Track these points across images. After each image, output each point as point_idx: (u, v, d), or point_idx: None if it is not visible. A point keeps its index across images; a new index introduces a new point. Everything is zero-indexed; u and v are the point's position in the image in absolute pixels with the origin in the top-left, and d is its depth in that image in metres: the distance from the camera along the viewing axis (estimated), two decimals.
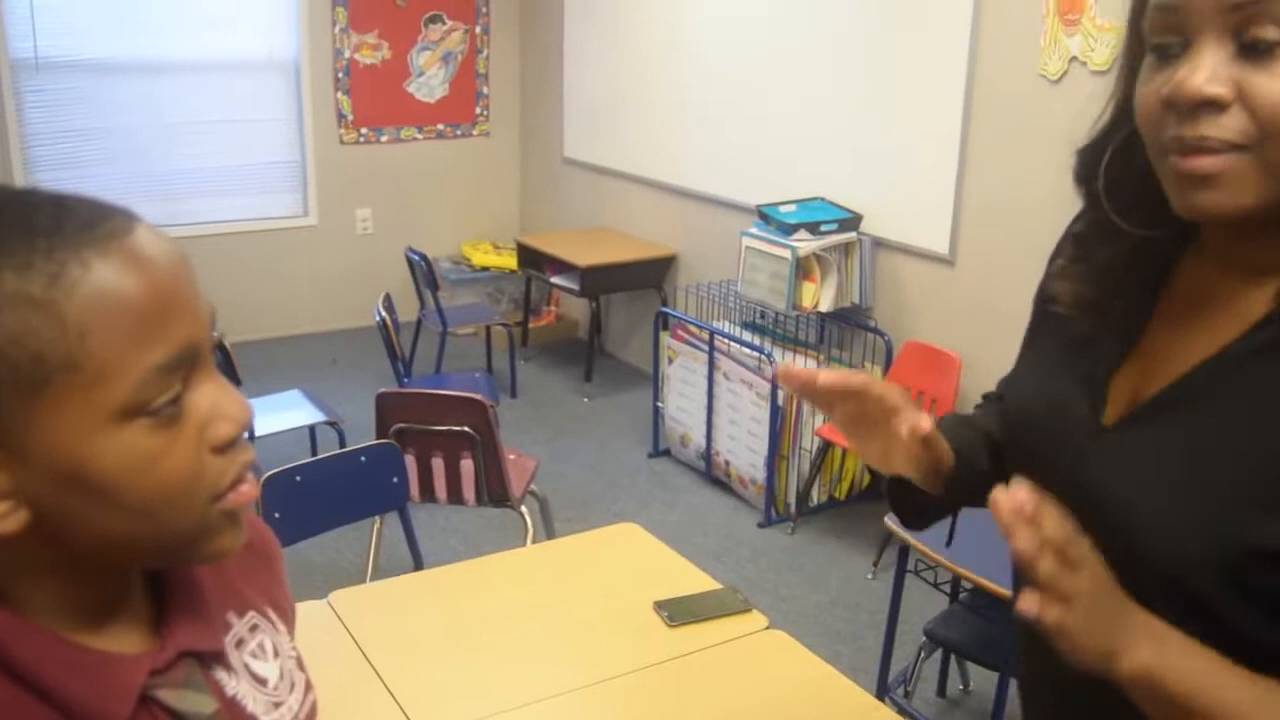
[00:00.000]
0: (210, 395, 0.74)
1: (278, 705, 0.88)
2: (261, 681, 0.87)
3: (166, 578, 0.83)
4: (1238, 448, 0.89)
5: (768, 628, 2.10)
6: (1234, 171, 0.86)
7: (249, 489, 0.77)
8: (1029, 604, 0.83)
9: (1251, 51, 0.84)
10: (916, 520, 1.32)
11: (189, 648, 0.80)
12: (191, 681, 0.80)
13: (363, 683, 1.88)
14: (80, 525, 0.71)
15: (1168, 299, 1.01)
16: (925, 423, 1.07)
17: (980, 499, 1.24)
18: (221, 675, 0.83)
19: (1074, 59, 3.48)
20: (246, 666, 0.86)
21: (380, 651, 1.96)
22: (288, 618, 0.96)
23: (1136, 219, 0.99)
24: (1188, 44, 0.87)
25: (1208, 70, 0.85)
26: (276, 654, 0.91)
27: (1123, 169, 0.99)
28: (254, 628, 0.90)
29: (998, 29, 3.74)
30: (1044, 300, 1.13)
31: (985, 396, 1.34)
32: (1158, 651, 0.87)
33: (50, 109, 5.56)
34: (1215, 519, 0.88)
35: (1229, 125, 0.85)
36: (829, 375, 1.09)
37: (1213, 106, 0.85)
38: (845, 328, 4.39)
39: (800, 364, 4.22)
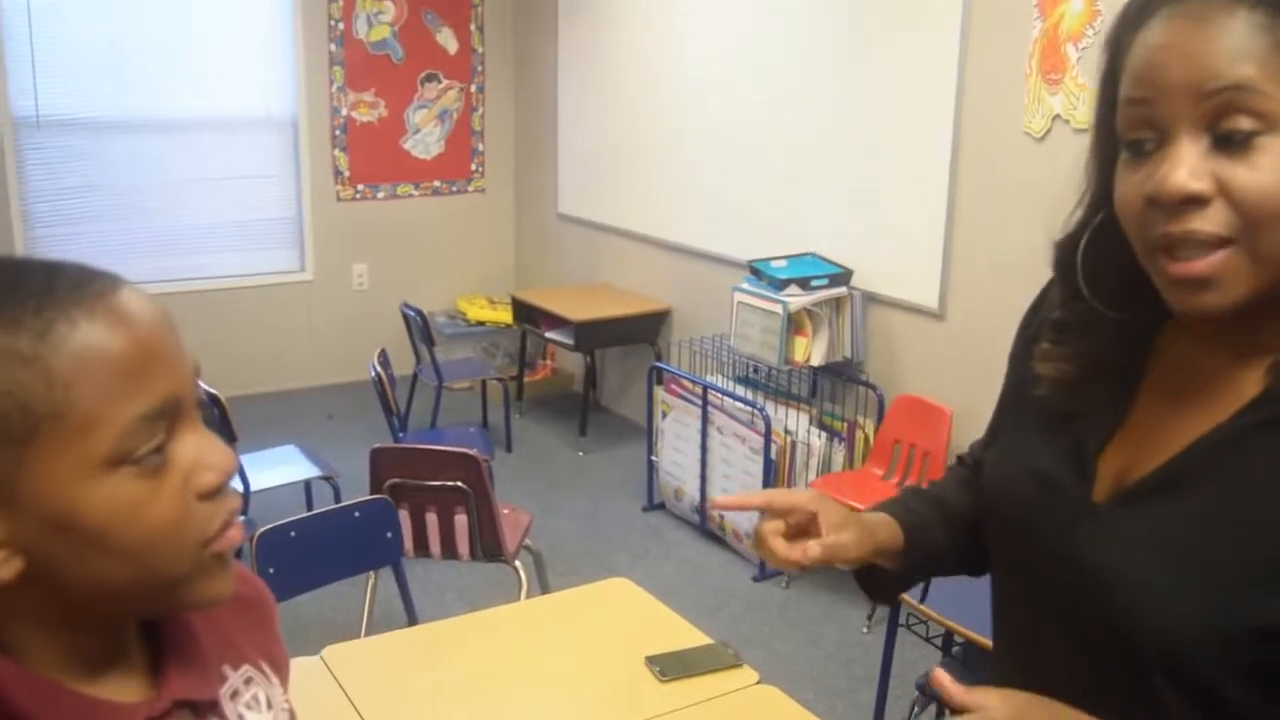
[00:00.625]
0: (194, 445, 0.77)
1: None
2: None
3: (162, 629, 0.85)
4: (1236, 528, 0.89)
5: (759, 682, 2.11)
6: (1227, 269, 0.86)
7: (235, 533, 0.80)
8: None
9: (1227, 143, 0.84)
10: (881, 597, 1.34)
11: (183, 696, 0.83)
12: None
13: None
14: (73, 572, 0.74)
15: (1154, 375, 1.01)
16: (814, 550, 1.12)
17: (942, 571, 1.28)
18: None
19: (1057, 117, 3.54)
20: (241, 717, 0.88)
21: (373, 707, 1.97)
22: (282, 671, 0.98)
23: (1118, 304, 0.99)
24: (1163, 139, 0.87)
25: (1188, 166, 0.85)
26: (270, 706, 0.93)
27: (1101, 260, 0.99)
28: (248, 680, 0.92)
29: (982, 88, 3.81)
30: (1019, 366, 1.14)
31: (959, 459, 1.35)
32: None
33: (51, 166, 5.63)
34: (1215, 599, 0.88)
35: (1214, 219, 0.85)
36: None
37: (1196, 201, 0.85)
38: (837, 381, 4.42)
39: (793, 418, 4.25)
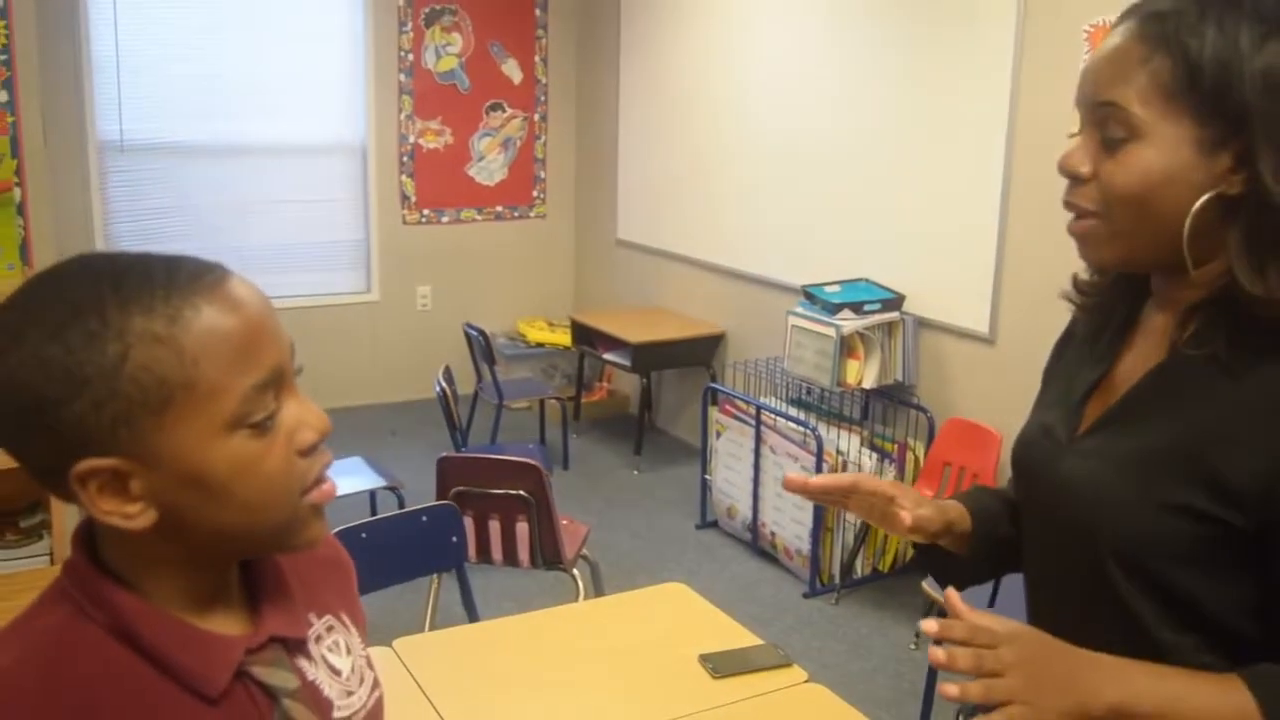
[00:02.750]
0: (295, 408, 0.91)
1: (350, 694, 1.02)
2: (336, 672, 1.02)
3: (258, 575, 0.98)
4: (1164, 439, 1.13)
5: (807, 681, 2.21)
6: (1091, 233, 1.16)
7: (330, 486, 0.94)
8: (950, 691, 1.04)
9: (1108, 142, 1.11)
10: (947, 579, 1.47)
11: (277, 633, 0.96)
12: (279, 662, 0.95)
13: None
14: (198, 520, 0.88)
15: (1130, 335, 1.26)
16: (906, 519, 1.33)
17: (1008, 564, 1.42)
18: (302, 662, 0.98)
19: None
20: (324, 658, 1.01)
21: (440, 694, 2.08)
22: (359, 624, 1.10)
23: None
24: (1080, 129, 1.17)
25: (1079, 153, 1.14)
26: (349, 652, 1.05)
27: None
28: (330, 628, 1.04)
29: (1034, 117, 3.90)
30: (1056, 351, 1.41)
31: None
32: (1121, 684, 1.06)
33: (132, 188, 5.87)
34: (1150, 491, 1.12)
35: (1087, 195, 1.14)
36: (819, 479, 1.39)
37: (1078, 179, 1.14)
38: (889, 404, 4.51)
39: (844, 439, 4.34)
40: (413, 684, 2.13)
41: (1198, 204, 1.08)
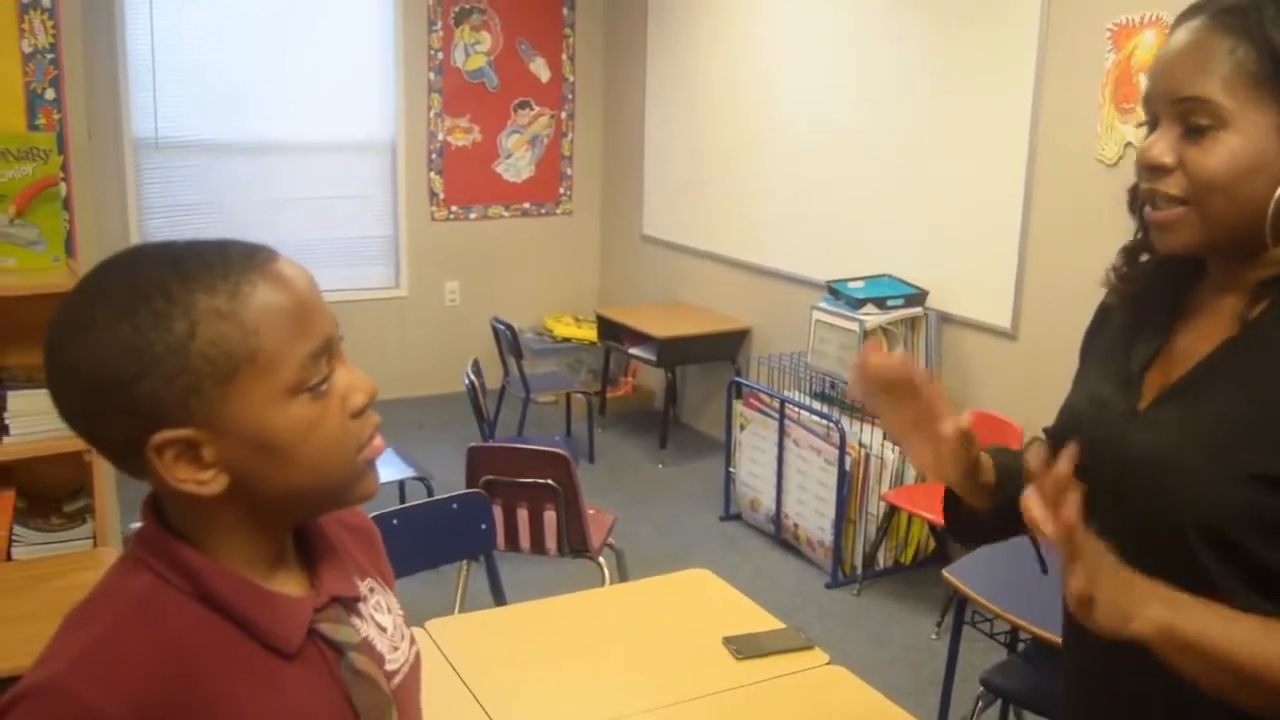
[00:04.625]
0: (345, 375, 0.98)
1: (395, 649, 1.09)
2: (382, 629, 1.09)
3: (310, 542, 1.05)
4: (1236, 411, 1.17)
5: (828, 664, 2.27)
6: (1179, 220, 1.19)
7: (380, 443, 1.01)
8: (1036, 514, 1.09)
9: (1192, 132, 1.16)
10: (966, 535, 1.55)
11: (337, 593, 1.03)
12: (341, 619, 1.03)
13: (458, 700, 2.06)
14: (267, 482, 0.95)
15: (1186, 311, 1.29)
16: (964, 420, 1.32)
17: (1018, 527, 1.45)
18: (355, 621, 1.05)
19: (1129, 144, 3.66)
20: (371, 616, 1.08)
21: (471, 673, 2.14)
22: (392, 585, 1.18)
23: None
24: (1155, 122, 1.20)
25: (1161, 145, 1.18)
26: (390, 610, 1.12)
27: None
28: (372, 589, 1.11)
29: (1057, 116, 3.94)
30: (1090, 336, 1.43)
31: (1045, 429, 1.53)
32: (1169, 609, 1.10)
33: (166, 184, 5.98)
34: (1227, 461, 1.15)
35: (1174, 183, 1.18)
36: (876, 358, 1.36)
37: (1162, 169, 1.18)
38: None
39: (867, 433, 4.39)
40: (444, 663, 2.19)
41: None
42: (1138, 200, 1.28)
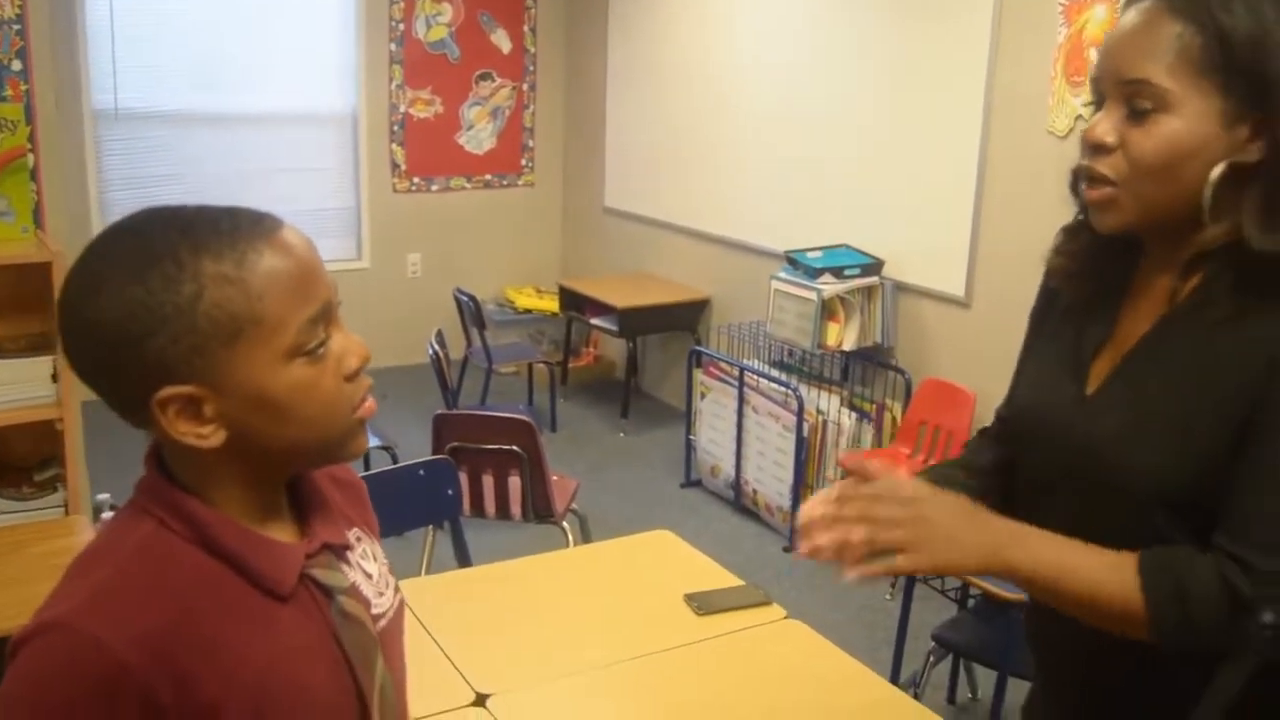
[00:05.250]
0: (341, 339, 1.04)
1: (381, 595, 1.16)
2: (369, 576, 1.15)
3: (303, 493, 1.12)
4: (1176, 388, 1.22)
5: (786, 618, 2.35)
6: (1110, 200, 1.23)
7: (371, 403, 1.07)
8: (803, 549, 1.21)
9: (1135, 114, 1.18)
10: None
11: (328, 540, 1.10)
12: (331, 565, 1.10)
13: (428, 657, 2.12)
14: (263, 438, 1.01)
15: (1130, 295, 1.33)
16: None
17: None
18: (344, 567, 1.12)
19: (1079, 117, 3.76)
20: (359, 564, 1.15)
21: (442, 631, 2.21)
22: (376, 536, 1.24)
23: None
24: (1101, 102, 1.23)
25: (1105, 124, 1.21)
26: (376, 559, 1.19)
27: None
28: (359, 538, 1.18)
29: (1010, 90, 4.04)
30: (1036, 322, 1.47)
31: (980, 431, 1.60)
32: (1018, 546, 1.21)
33: (127, 156, 5.96)
34: (1176, 436, 1.20)
35: (1110, 164, 1.21)
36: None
37: (1104, 149, 1.21)
38: (868, 365, 4.66)
39: (824, 399, 4.49)
40: (415, 621, 2.26)
41: (1217, 171, 1.16)
42: (1079, 180, 1.31)
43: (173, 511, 1.01)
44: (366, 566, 1.16)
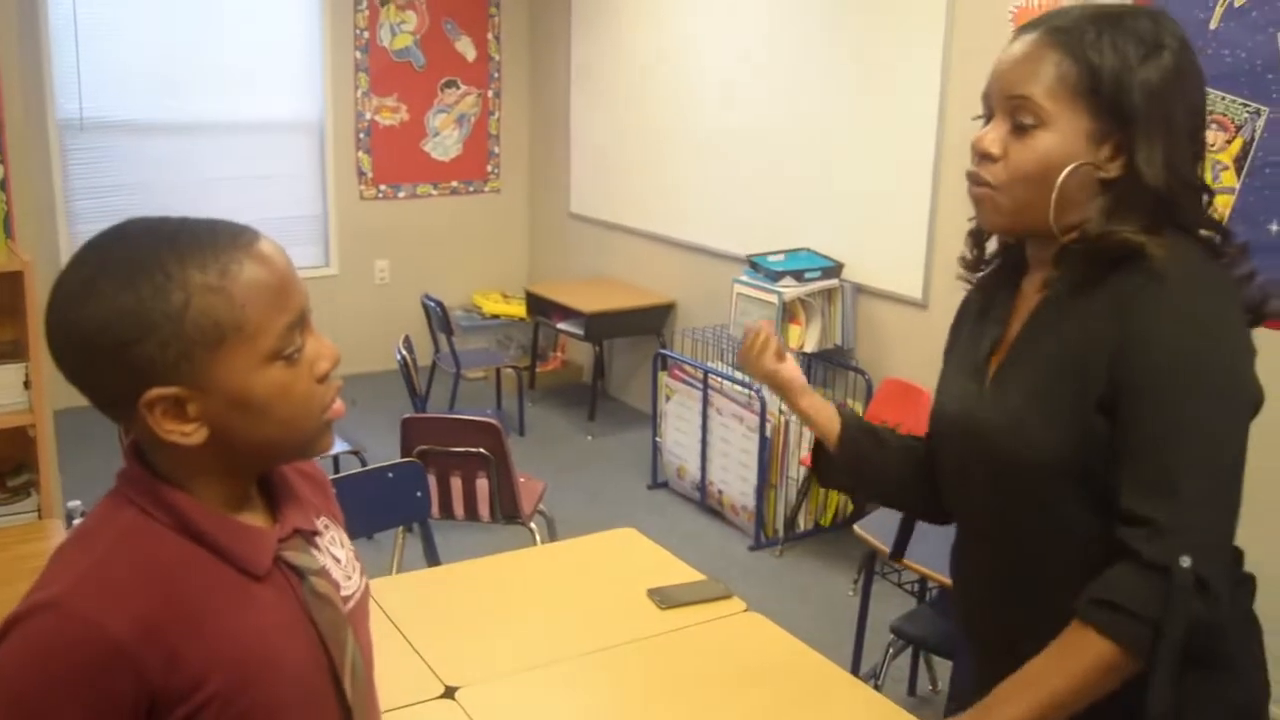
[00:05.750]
0: (314, 343, 1.12)
1: (349, 578, 1.23)
2: (337, 560, 1.23)
3: (273, 485, 1.19)
4: (1053, 363, 1.38)
5: (746, 610, 2.43)
6: (987, 199, 1.41)
7: (340, 405, 1.14)
8: None
9: (1019, 129, 1.36)
10: (830, 479, 1.83)
11: (299, 526, 1.17)
12: (302, 548, 1.17)
13: (399, 653, 2.17)
14: (241, 435, 1.08)
15: (1017, 301, 1.51)
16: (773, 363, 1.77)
17: (873, 484, 1.75)
18: (314, 551, 1.19)
19: None
20: (327, 548, 1.22)
21: (410, 627, 2.26)
22: (342, 525, 1.31)
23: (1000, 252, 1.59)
24: (990, 117, 1.42)
25: (992, 135, 1.39)
26: (343, 545, 1.27)
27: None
28: (326, 526, 1.25)
29: (962, 97, 4.13)
30: (954, 326, 1.65)
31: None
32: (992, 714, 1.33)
33: (93, 165, 5.98)
34: (1048, 409, 1.37)
35: (992, 171, 1.39)
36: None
37: (989, 157, 1.39)
38: (829, 367, 4.75)
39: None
40: (385, 619, 2.31)
41: (1068, 169, 1.34)
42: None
43: (153, 500, 1.07)
44: (335, 552, 1.23)
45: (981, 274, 1.58)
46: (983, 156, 1.39)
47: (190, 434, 1.05)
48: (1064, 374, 1.37)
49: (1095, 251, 1.35)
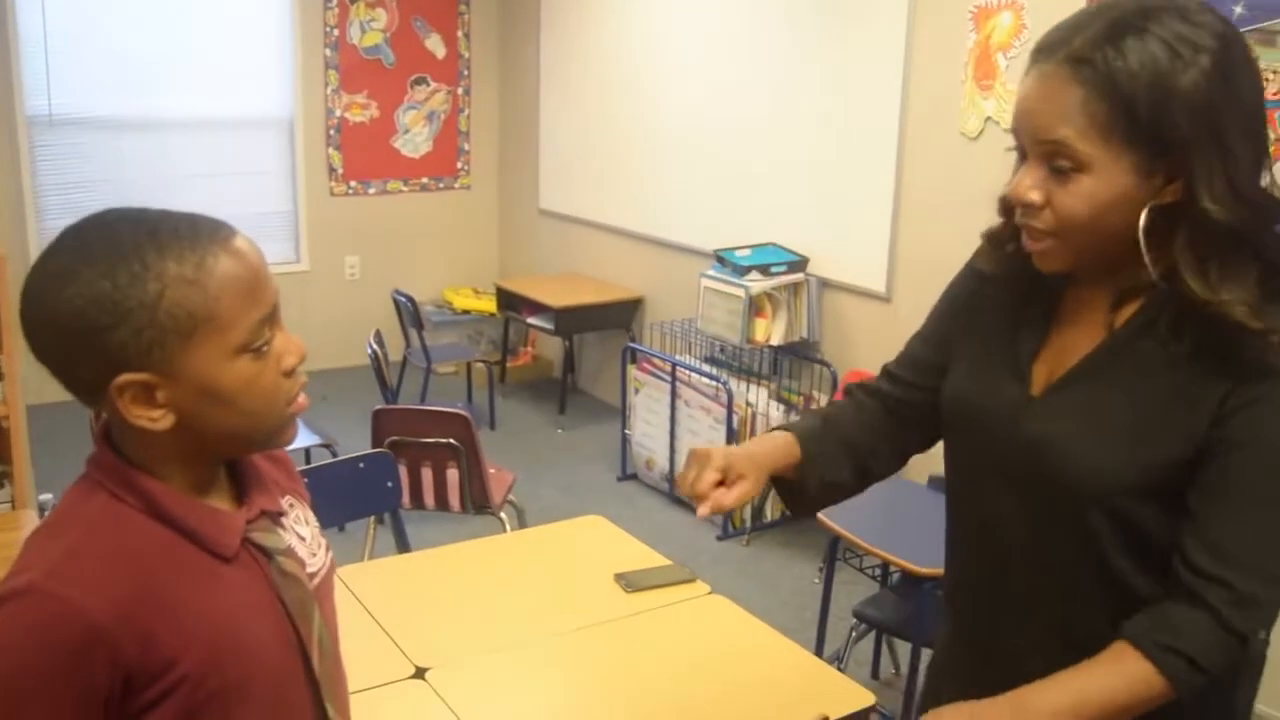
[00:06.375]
0: (282, 338, 1.15)
1: (314, 555, 1.27)
2: (302, 539, 1.27)
3: (239, 469, 1.22)
4: (1120, 407, 1.31)
5: (709, 593, 2.49)
6: (1050, 250, 1.31)
7: (304, 399, 1.18)
8: None
9: (1056, 172, 1.25)
10: (797, 507, 1.65)
11: (265, 508, 1.21)
12: (270, 529, 1.21)
13: (371, 638, 2.23)
14: (208, 423, 1.11)
15: (1063, 309, 1.42)
16: (727, 499, 1.50)
17: (846, 496, 1.63)
18: (280, 531, 1.23)
19: (989, 119, 3.95)
20: (293, 528, 1.26)
21: (382, 612, 2.31)
22: (306, 502, 1.35)
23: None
24: (1024, 157, 1.30)
25: (1028, 182, 1.28)
26: (308, 523, 1.31)
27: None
28: (291, 505, 1.29)
29: (923, 94, 4.22)
30: (961, 301, 1.53)
31: (885, 367, 1.69)
32: (1030, 708, 1.28)
33: (61, 162, 5.97)
34: (1119, 448, 1.30)
35: (1043, 219, 1.28)
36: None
37: (1032, 206, 1.28)
38: (795, 359, 4.82)
39: (754, 392, 4.64)
40: (357, 604, 2.36)
41: (1142, 221, 1.24)
42: (1007, 209, 1.38)
43: (124, 484, 1.11)
44: (300, 530, 1.27)
45: (999, 270, 1.46)
46: (1025, 206, 1.29)
47: (158, 420, 1.08)
48: (1145, 412, 1.30)
49: (1200, 317, 1.26)
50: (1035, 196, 1.26)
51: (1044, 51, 1.25)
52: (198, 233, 1.08)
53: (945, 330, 1.57)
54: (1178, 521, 1.29)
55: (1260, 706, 1.57)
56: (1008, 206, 1.37)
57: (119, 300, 1.04)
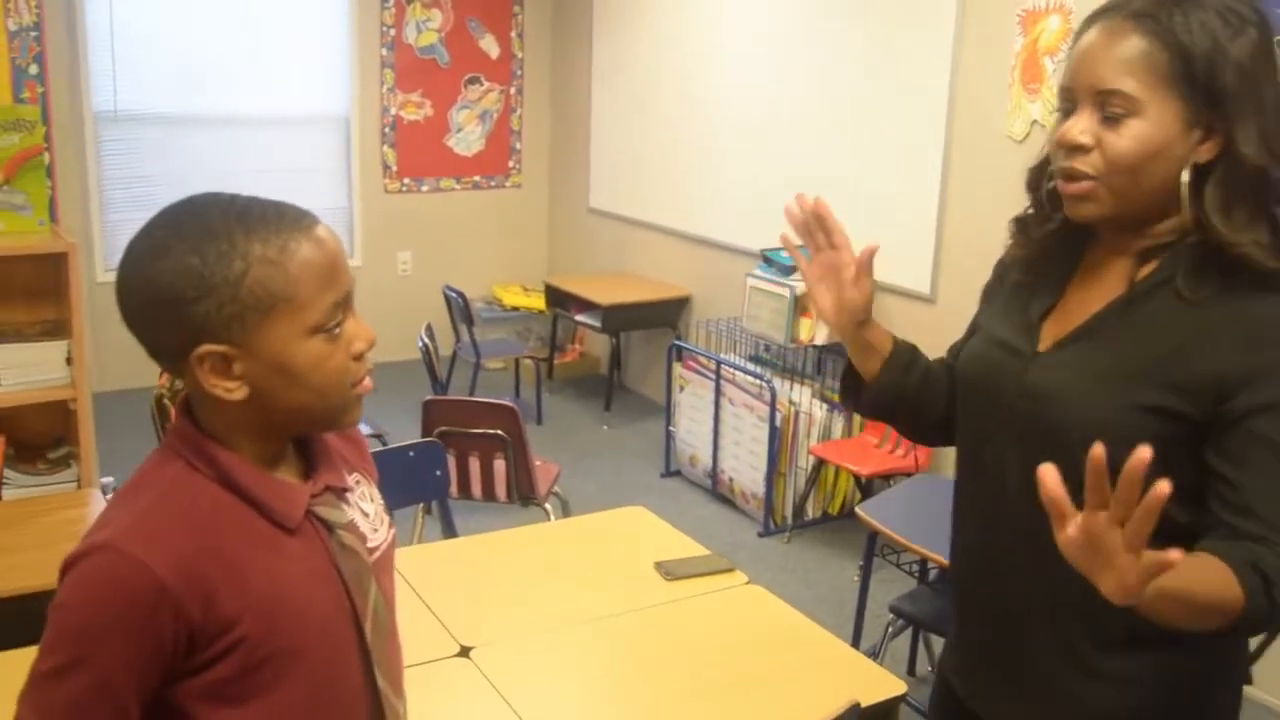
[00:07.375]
0: (353, 323, 1.23)
1: (376, 530, 1.34)
2: (365, 514, 1.34)
3: (309, 445, 1.30)
4: (1128, 353, 1.38)
5: (747, 583, 2.55)
6: (1091, 193, 1.38)
7: (370, 382, 1.25)
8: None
9: (1108, 120, 1.34)
10: (853, 400, 1.76)
11: (330, 484, 1.28)
12: (333, 503, 1.28)
13: (417, 617, 2.31)
14: (280, 399, 1.19)
15: (1080, 270, 1.50)
16: (866, 250, 1.64)
17: (911, 403, 1.69)
18: (344, 506, 1.30)
19: (1035, 122, 3.97)
20: (357, 504, 1.33)
21: (431, 594, 2.39)
22: (375, 481, 1.42)
23: (1060, 213, 1.51)
24: (1074, 109, 1.38)
25: (1080, 126, 1.36)
26: (372, 500, 1.38)
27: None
28: (358, 482, 1.36)
29: (970, 96, 4.24)
30: (989, 290, 1.63)
31: (951, 349, 1.77)
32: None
33: (126, 157, 6.14)
34: (1117, 392, 1.36)
35: (1089, 162, 1.36)
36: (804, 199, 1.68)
37: (1081, 149, 1.36)
38: (838, 359, 4.85)
39: (797, 391, 4.69)
40: (405, 584, 2.44)
41: (1187, 175, 1.34)
42: (1041, 178, 1.48)
43: (198, 453, 1.19)
44: (364, 506, 1.34)
45: (1023, 254, 1.55)
46: (1073, 149, 1.37)
47: (233, 390, 1.16)
48: (1140, 370, 1.36)
49: (1221, 261, 1.34)
50: (1086, 139, 1.35)
51: (1106, 12, 1.37)
52: (283, 219, 1.16)
53: (976, 320, 1.67)
54: (1176, 476, 1.26)
55: (1266, 697, 1.61)
56: (1036, 179, 1.48)
57: (206, 275, 1.12)
